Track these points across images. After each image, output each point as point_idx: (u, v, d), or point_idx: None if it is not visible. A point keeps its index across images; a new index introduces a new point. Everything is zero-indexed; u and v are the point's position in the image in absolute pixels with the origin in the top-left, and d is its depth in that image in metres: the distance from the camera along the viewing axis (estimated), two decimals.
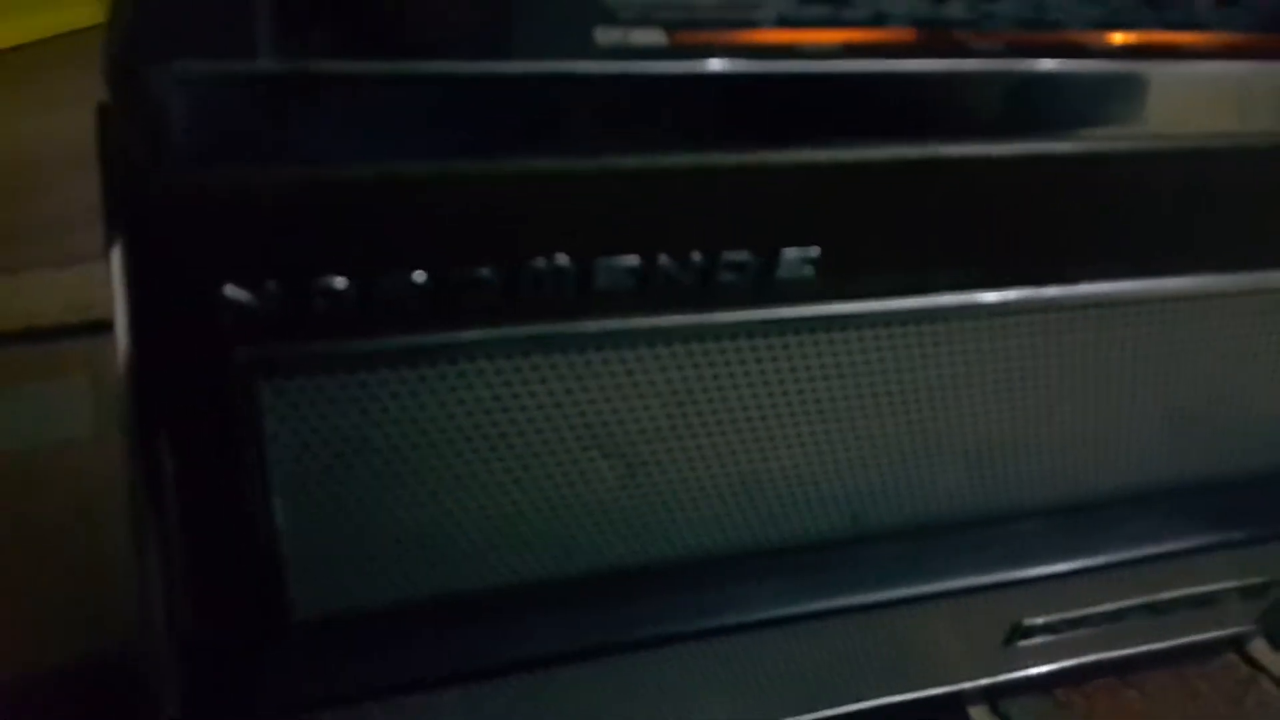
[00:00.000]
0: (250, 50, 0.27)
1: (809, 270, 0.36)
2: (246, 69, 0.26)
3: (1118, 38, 0.38)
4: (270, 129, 0.27)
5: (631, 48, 0.31)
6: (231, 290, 0.30)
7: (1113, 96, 0.36)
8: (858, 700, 0.61)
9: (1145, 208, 0.40)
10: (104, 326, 0.32)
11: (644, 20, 0.33)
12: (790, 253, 0.35)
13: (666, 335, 0.36)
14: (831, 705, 0.61)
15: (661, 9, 0.34)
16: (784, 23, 0.34)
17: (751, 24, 0.34)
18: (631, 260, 0.33)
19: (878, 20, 0.35)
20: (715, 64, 0.31)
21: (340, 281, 0.31)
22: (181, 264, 0.29)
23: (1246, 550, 0.60)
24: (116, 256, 0.31)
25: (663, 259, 0.34)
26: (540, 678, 0.48)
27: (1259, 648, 0.75)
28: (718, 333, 0.37)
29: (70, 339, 0.86)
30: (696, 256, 0.34)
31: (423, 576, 0.41)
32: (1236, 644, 0.73)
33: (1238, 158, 0.39)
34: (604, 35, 0.32)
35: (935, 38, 0.35)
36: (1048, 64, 0.34)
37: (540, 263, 0.32)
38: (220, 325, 0.30)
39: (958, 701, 0.65)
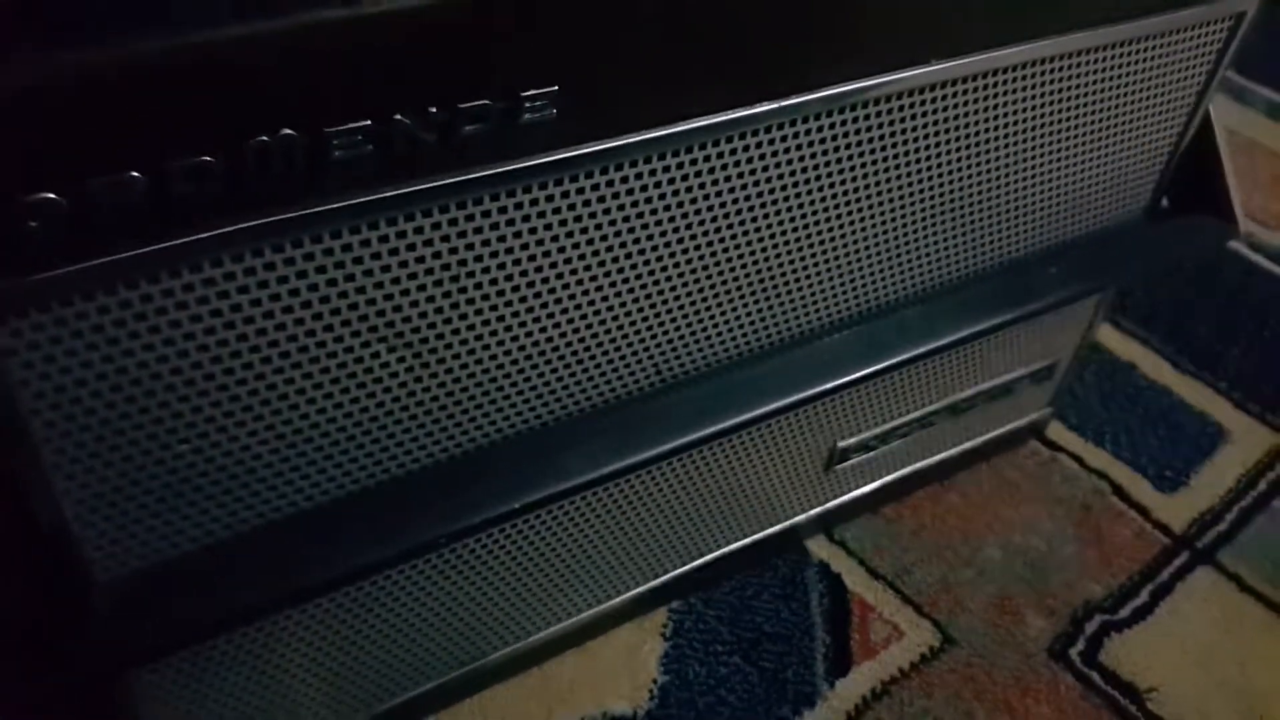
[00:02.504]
0: None
1: (550, 112, 0.35)
2: None
3: None
4: None
5: None
6: None
7: None
8: (700, 556, 0.62)
9: None
10: None
11: None
12: (529, 94, 0.34)
13: (418, 201, 0.35)
14: (676, 566, 0.62)
15: None
16: None
17: None
18: (365, 123, 0.32)
19: None
20: None
21: (49, 195, 0.28)
22: None
23: (1027, 332, 0.63)
24: None
25: (399, 117, 0.32)
26: (377, 589, 0.47)
27: (1055, 429, 0.80)
28: (472, 192, 0.36)
29: None
30: (434, 110, 0.33)
31: (220, 510, 0.39)
32: (1036, 431, 0.78)
33: None
34: None
35: None
36: None
37: (265, 139, 0.30)
38: None
39: (795, 537, 0.67)
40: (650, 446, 0.45)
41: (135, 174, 0.29)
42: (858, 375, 0.50)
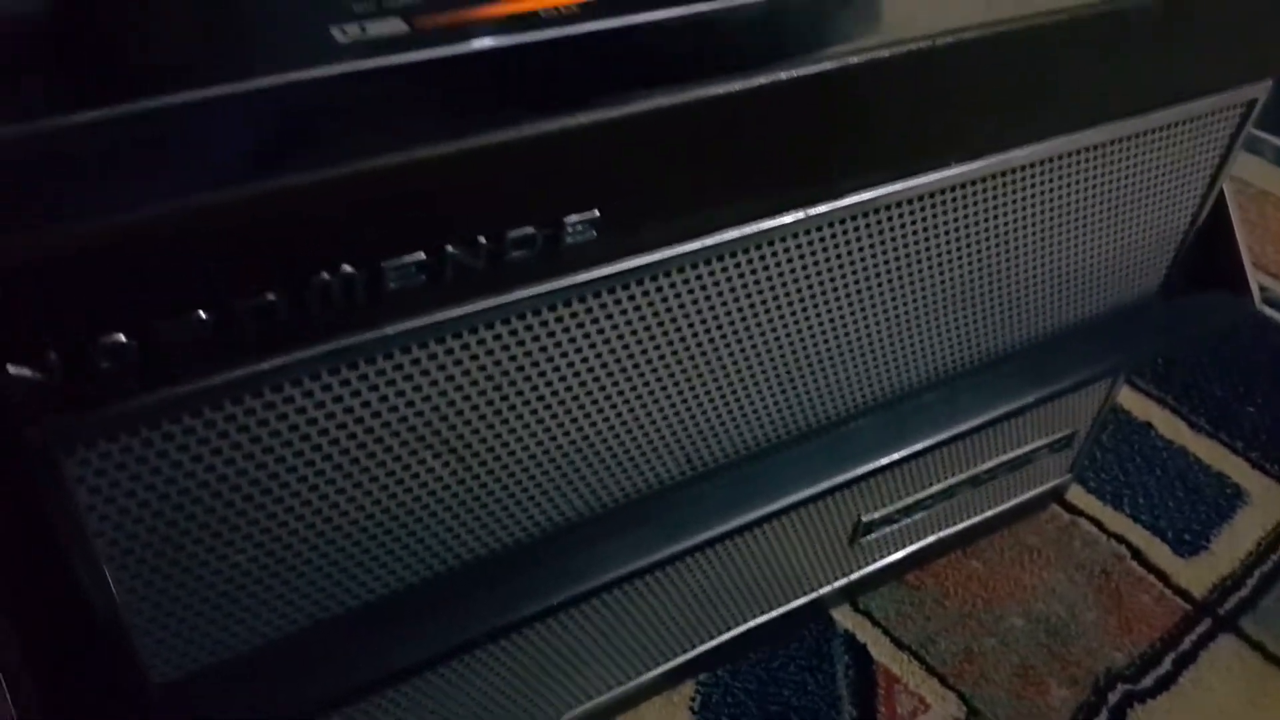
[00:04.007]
0: None
1: (591, 233, 0.37)
2: None
3: None
4: (13, 198, 0.26)
5: (372, 41, 0.31)
6: (14, 369, 0.28)
7: (838, 14, 0.38)
8: (727, 629, 0.63)
9: (902, 109, 0.42)
10: None
11: (380, 11, 0.33)
12: (572, 219, 0.36)
13: (466, 322, 0.36)
14: (704, 640, 0.63)
15: None
16: None
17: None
18: (419, 256, 0.33)
19: None
20: (462, 46, 0.31)
21: (121, 337, 0.29)
22: None
23: (1047, 408, 0.64)
24: None
25: (450, 248, 0.34)
26: (423, 683, 0.48)
27: (1074, 492, 0.81)
28: (515, 310, 0.37)
29: None
30: (483, 240, 0.34)
31: (275, 614, 0.40)
32: (1056, 495, 0.79)
33: (969, 52, 0.42)
34: (342, 33, 0.31)
35: None
36: None
37: (326, 276, 0.32)
38: (8, 405, 0.29)
39: (820, 607, 0.68)
40: (685, 539, 0.46)
41: (203, 314, 0.30)
42: (885, 462, 0.51)
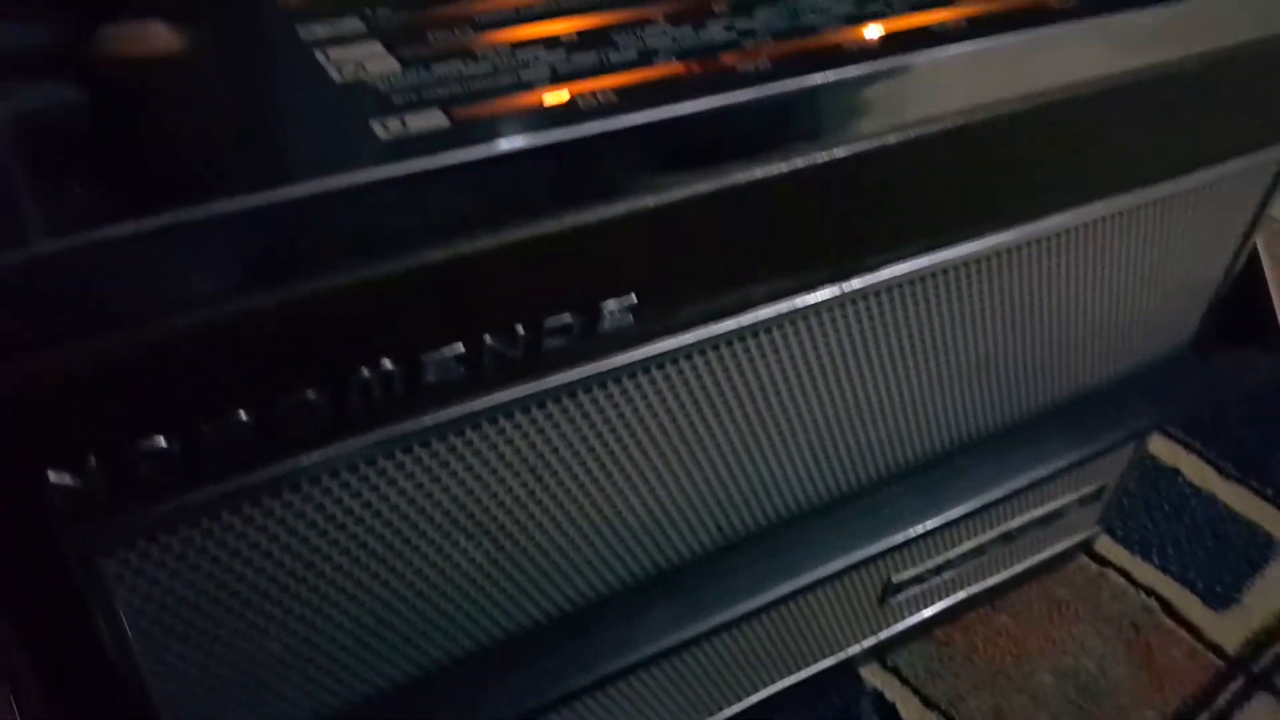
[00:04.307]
0: (18, 237, 0.25)
1: (628, 318, 0.36)
2: (25, 256, 0.25)
3: (872, 32, 0.39)
4: (56, 310, 0.26)
5: (413, 136, 0.31)
6: (55, 476, 0.28)
7: (877, 95, 0.37)
8: (755, 692, 0.63)
9: (938, 185, 0.41)
10: None
11: (420, 103, 0.32)
12: (609, 305, 0.36)
13: (503, 409, 0.36)
14: (731, 703, 0.62)
15: (436, 86, 0.33)
16: (556, 78, 0.34)
17: (526, 86, 0.34)
18: (457, 348, 0.33)
19: (645, 59, 0.36)
20: (502, 144, 0.31)
21: (161, 440, 0.29)
22: None
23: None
24: None
25: (488, 339, 0.34)
26: None
27: (1102, 542, 0.80)
28: (550, 395, 0.37)
29: None
30: (521, 330, 0.34)
31: (307, 698, 0.39)
32: (1085, 547, 0.78)
33: (1003, 125, 0.41)
34: (383, 128, 0.31)
35: (703, 67, 0.36)
36: (814, 79, 0.35)
37: (366, 373, 0.32)
38: (47, 511, 0.29)
39: (848, 667, 0.68)
40: (717, 616, 0.46)
41: (244, 415, 0.30)
42: (920, 531, 0.50)
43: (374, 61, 0.33)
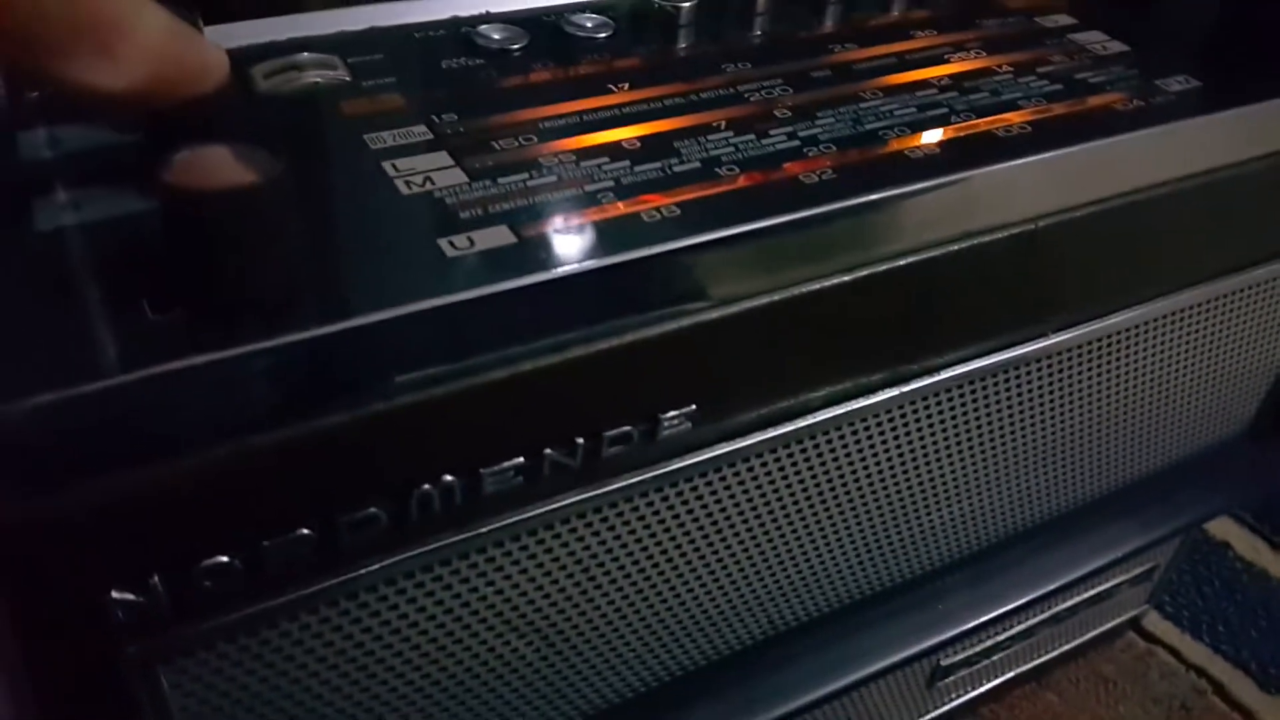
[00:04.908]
0: (92, 370, 0.25)
1: (687, 425, 0.36)
2: (100, 387, 0.25)
3: (936, 136, 0.39)
4: (124, 436, 0.26)
5: (480, 254, 0.31)
6: (118, 594, 0.28)
7: (941, 207, 0.37)
8: None
9: (1001, 290, 0.41)
10: None
11: (487, 220, 0.33)
12: (669, 415, 0.35)
13: (560, 514, 0.36)
14: None
15: (503, 200, 0.33)
16: (621, 192, 0.34)
17: (592, 201, 0.34)
18: (517, 461, 0.33)
19: (708, 170, 0.36)
20: (569, 265, 0.31)
21: (224, 559, 0.29)
22: (62, 581, 0.28)
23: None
24: None
25: (548, 451, 0.33)
26: None
27: (1151, 619, 0.78)
28: (608, 499, 0.37)
29: None
30: (580, 440, 0.34)
31: None
32: (1133, 624, 0.77)
33: (1068, 229, 0.41)
34: (451, 246, 0.31)
35: (766, 178, 0.36)
36: (873, 197, 0.35)
37: (427, 488, 0.32)
38: (110, 627, 0.29)
39: None
40: (762, 714, 0.45)
41: (306, 531, 0.30)
42: (975, 624, 0.50)
43: (441, 175, 0.34)
